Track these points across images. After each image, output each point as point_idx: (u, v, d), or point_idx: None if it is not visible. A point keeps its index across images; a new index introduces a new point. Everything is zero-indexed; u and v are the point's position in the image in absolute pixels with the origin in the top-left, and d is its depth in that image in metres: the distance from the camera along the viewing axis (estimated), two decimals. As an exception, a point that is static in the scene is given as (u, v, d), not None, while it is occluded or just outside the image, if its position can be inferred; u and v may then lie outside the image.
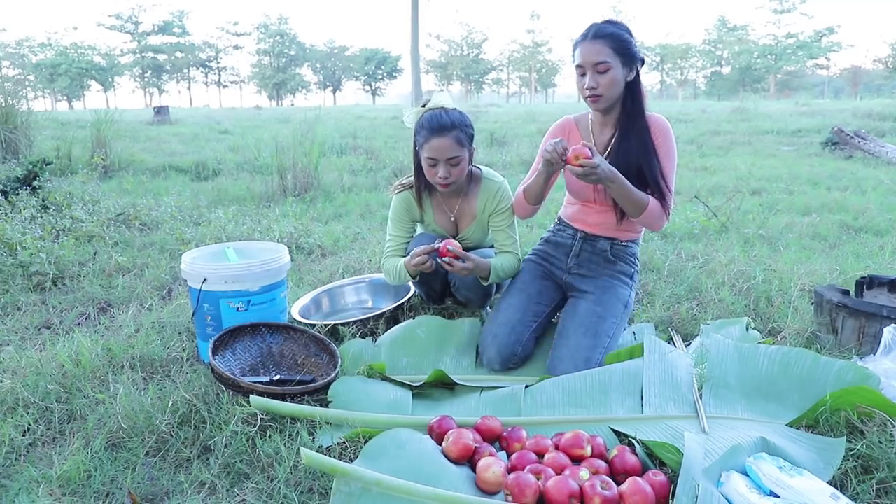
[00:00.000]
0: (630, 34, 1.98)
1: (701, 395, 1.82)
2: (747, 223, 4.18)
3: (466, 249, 2.41)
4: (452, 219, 2.34)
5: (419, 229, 2.48)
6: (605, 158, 2.06)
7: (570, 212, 2.32)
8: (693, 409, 1.78)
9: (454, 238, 2.39)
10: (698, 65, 69.45)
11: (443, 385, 2.01)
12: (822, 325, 2.23)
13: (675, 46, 67.24)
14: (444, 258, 2.11)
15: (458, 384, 1.98)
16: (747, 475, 1.45)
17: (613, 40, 1.95)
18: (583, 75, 2.00)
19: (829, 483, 1.44)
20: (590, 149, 1.88)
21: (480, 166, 2.33)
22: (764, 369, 1.89)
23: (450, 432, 1.58)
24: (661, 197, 2.04)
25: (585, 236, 2.24)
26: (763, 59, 60.43)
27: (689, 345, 2.21)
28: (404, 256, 2.34)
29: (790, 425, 1.70)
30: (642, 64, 2.02)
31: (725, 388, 1.85)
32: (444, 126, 2.10)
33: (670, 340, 2.24)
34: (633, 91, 2.03)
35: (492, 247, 2.47)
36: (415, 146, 2.21)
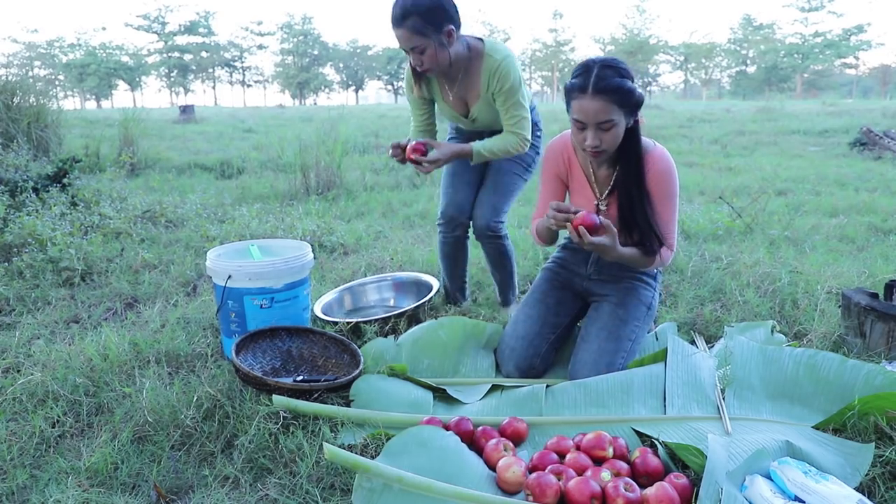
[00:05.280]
0: (630, 76, 1.77)
1: (724, 396, 1.80)
2: (773, 224, 4.12)
3: (477, 133, 2.38)
4: (451, 98, 2.22)
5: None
6: (607, 196, 1.99)
7: None
8: (716, 410, 1.76)
9: (464, 117, 2.34)
10: (723, 64, 68.42)
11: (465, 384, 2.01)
12: (850, 329, 2.19)
13: (699, 45, 66.33)
14: (411, 161, 2.13)
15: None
16: (771, 479, 1.44)
17: (617, 94, 1.72)
18: (582, 129, 1.79)
19: (856, 489, 1.42)
20: (599, 220, 1.76)
21: (484, 38, 2.15)
22: (789, 372, 1.87)
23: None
24: (658, 242, 1.94)
25: None
26: (790, 58, 59.38)
27: (713, 347, 2.19)
28: (426, 137, 2.36)
29: (816, 428, 1.68)
30: (642, 103, 1.82)
31: (749, 390, 1.83)
32: (395, 17, 1.94)
33: (693, 342, 2.21)
34: (633, 132, 1.85)
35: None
36: None
